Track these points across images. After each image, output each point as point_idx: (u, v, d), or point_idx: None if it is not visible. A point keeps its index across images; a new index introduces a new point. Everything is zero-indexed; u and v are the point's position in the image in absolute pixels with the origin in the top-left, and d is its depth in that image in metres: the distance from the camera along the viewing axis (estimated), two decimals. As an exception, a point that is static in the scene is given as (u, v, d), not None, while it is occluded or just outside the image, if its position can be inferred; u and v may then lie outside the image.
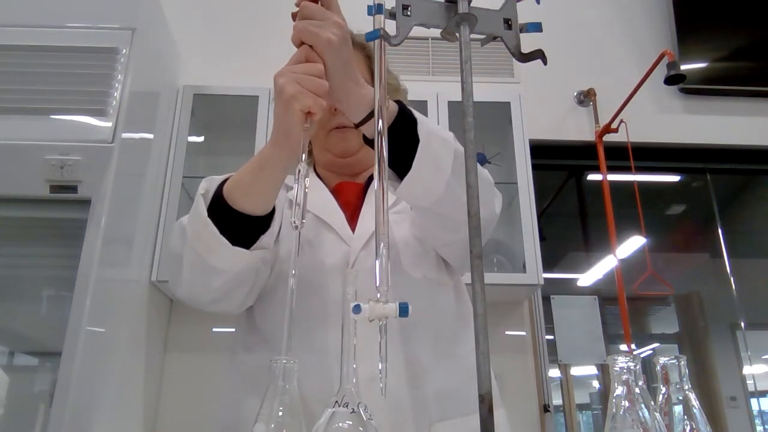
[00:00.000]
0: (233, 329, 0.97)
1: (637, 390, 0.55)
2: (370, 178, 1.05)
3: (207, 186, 0.77)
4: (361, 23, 1.03)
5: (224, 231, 0.74)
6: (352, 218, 0.93)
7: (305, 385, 0.72)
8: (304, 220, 0.62)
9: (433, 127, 0.77)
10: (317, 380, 0.75)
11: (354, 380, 0.56)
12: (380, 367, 0.55)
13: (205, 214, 0.74)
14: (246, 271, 0.80)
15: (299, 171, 0.65)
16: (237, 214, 0.75)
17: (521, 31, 0.66)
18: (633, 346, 2.19)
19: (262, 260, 0.84)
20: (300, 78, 0.69)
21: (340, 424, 0.53)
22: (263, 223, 0.78)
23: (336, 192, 0.98)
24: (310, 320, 0.82)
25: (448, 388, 0.85)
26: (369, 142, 0.76)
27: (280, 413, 0.54)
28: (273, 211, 0.79)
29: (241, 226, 0.75)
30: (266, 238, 0.78)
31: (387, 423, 0.77)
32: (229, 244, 0.73)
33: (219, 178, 0.78)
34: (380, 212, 0.59)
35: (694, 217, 3.06)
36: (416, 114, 0.77)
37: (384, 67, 0.65)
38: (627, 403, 0.55)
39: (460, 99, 0.60)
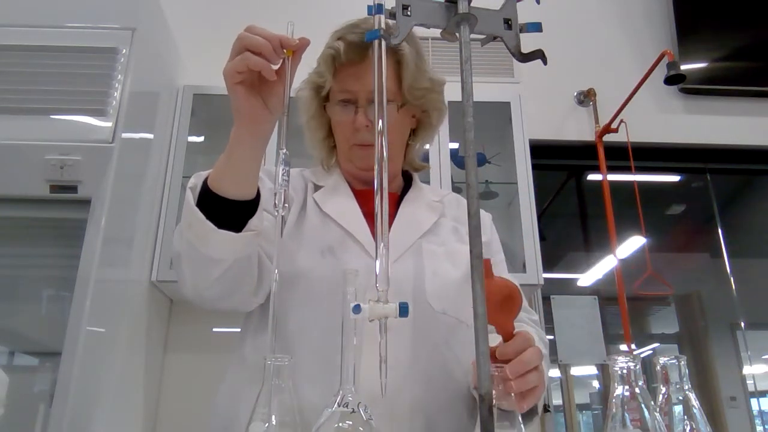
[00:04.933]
0: (234, 329, 0.98)
1: (637, 390, 0.55)
2: (406, 187, 1.05)
3: (195, 181, 0.80)
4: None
5: (214, 220, 0.76)
6: None
7: (323, 389, 0.72)
8: (286, 204, 0.65)
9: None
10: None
11: (354, 380, 0.56)
12: (380, 367, 0.55)
13: (193, 203, 0.77)
14: (242, 261, 0.81)
15: (280, 156, 0.66)
16: (224, 202, 0.77)
17: (521, 31, 0.66)
18: (633, 346, 2.19)
19: (266, 255, 0.85)
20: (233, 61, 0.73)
21: (340, 424, 0.53)
22: (251, 209, 0.79)
23: (361, 199, 0.98)
24: (328, 328, 0.83)
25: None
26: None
27: (276, 412, 0.54)
28: (258, 196, 0.81)
29: (231, 214, 0.77)
30: (254, 221, 0.79)
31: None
32: (216, 228, 0.75)
33: (205, 173, 0.80)
34: (380, 213, 0.59)
35: (694, 217, 3.05)
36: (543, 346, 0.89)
37: (384, 67, 0.65)
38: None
39: (460, 99, 0.60)
